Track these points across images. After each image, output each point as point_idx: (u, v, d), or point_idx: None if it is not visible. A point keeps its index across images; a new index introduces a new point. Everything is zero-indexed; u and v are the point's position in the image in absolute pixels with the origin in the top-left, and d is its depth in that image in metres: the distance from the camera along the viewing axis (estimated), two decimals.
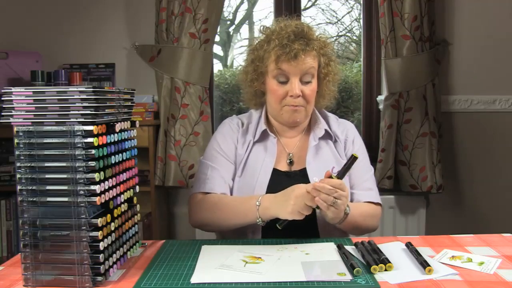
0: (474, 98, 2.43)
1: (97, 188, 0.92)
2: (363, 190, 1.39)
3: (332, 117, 1.48)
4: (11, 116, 0.93)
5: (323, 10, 2.85)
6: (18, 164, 0.93)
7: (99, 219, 0.93)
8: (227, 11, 2.91)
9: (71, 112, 0.91)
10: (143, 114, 2.29)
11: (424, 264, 0.99)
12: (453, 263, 1.05)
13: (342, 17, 2.87)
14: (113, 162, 1.01)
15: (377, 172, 2.30)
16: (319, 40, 1.35)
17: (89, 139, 0.92)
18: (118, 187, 1.04)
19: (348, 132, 1.45)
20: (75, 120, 0.92)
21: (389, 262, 1.01)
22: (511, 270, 1.00)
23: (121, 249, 1.06)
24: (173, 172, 2.30)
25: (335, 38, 2.87)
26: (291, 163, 1.40)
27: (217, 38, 2.54)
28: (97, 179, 0.93)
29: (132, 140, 1.14)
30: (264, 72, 1.36)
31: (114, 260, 1.01)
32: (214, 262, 1.06)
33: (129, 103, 1.12)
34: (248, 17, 2.94)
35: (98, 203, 0.93)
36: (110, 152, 1.00)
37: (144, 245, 1.22)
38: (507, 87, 2.42)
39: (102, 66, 2.38)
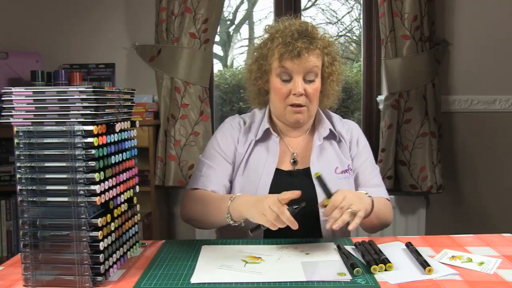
0: (474, 98, 2.43)
1: (97, 188, 0.92)
2: (371, 187, 1.38)
3: (336, 117, 1.47)
4: (11, 116, 0.93)
5: (323, 10, 2.85)
6: (18, 164, 0.93)
7: (99, 219, 0.93)
8: (227, 11, 2.91)
9: (71, 112, 0.91)
10: (143, 114, 2.29)
11: (424, 264, 0.99)
12: (453, 263, 1.05)
13: (342, 17, 2.87)
14: (113, 162, 1.01)
15: None
16: (323, 39, 1.34)
17: (89, 139, 0.92)
18: (118, 187, 1.04)
19: (352, 132, 1.45)
20: (75, 120, 0.92)
21: (389, 262, 1.01)
22: (511, 270, 1.00)
23: (121, 249, 1.06)
24: (173, 172, 2.30)
25: (335, 38, 2.86)
26: (294, 162, 1.39)
27: (217, 38, 2.54)
28: (97, 179, 0.93)
29: (132, 140, 1.14)
30: (267, 71, 1.36)
31: (114, 260, 1.01)
32: (214, 262, 1.06)
33: (129, 103, 1.12)
34: (248, 17, 2.94)
35: (98, 203, 0.93)
36: (110, 152, 1.00)
37: (144, 245, 1.22)
38: (507, 87, 2.42)
39: (102, 66, 2.38)
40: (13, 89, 0.92)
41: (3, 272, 1.04)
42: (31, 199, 0.93)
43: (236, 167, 1.39)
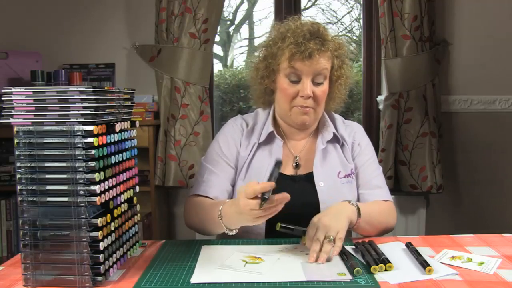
0: (474, 98, 2.43)
1: (97, 188, 0.92)
2: (371, 189, 1.36)
3: (339, 119, 1.44)
4: (11, 116, 0.93)
5: (323, 10, 2.86)
6: (18, 164, 0.93)
7: (99, 219, 0.93)
8: (227, 11, 2.91)
9: (71, 112, 0.91)
10: (143, 114, 2.29)
11: (424, 264, 0.99)
12: (453, 263, 1.05)
13: (342, 17, 2.87)
14: (113, 162, 1.01)
15: None
16: (334, 41, 1.31)
17: (89, 139, 0.92)
18: (118, 187, 1.04)
19: (355, 135, 1.42)
20: (75, 120, 0.92)
21: (389, 262, 1.01)
22: (511, 270, 1.00)
23: (121, 249, 1.06)
24: (173, 172, 2.30)
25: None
26: (297, 166, 1.37)
27: (217, 38, 2.54)
28: (97, 179, 0.93)
29: (132, 140, 1.14)
30: (275, 70, 1.32)
31: (114, 260, 1.01)
32: (214, 262, 1.06)
33: (129, 103, 1.12)
34: (248, 17, 2.94)
35: (98, 203, 0.93)
36: (110, 152, 1.00)
37: (144, 245, 1.22)
38: (507, 87, 2.42)
39: (102, 66, 2.38)
40: (13, 89, 0.92)
41: (3, 272, 1.04)
42: (31, 199, 0.93)
43: (238, 171, 1.36)
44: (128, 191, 1.11)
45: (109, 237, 0.99)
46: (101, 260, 0.94)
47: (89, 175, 0.92)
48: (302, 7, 2.58)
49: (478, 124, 2.44)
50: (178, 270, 1.02)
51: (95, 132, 0.92)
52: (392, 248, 1.13)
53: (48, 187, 0.93)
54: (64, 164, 0.92)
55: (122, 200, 1.07)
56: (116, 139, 1.03)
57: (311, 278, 0.96)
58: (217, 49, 2.84)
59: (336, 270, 1.00)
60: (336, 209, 1.19)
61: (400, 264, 1.03)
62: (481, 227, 2.41)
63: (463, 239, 1.23)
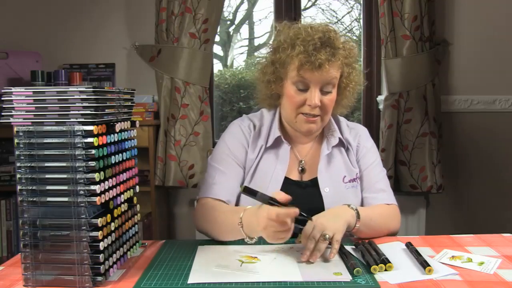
0: (474, 98, 2.43)
1: (97, 188, 0.92)
2: (375, 193, 1.34)
3: (343, 122, 1.42)
4: (11, 116, 0.93)
5: (323, 10, 2.85)
6: (18, 164, 0.93)
7: (99, 219, 0.93)
8: (227, 11, 2.91)
9: (71, 112, 0.91)
10: (143, 114, 2.29)
11: (424, 264, 0.99)
12: (453, 263, 1.05)
13: (342, 17, 2.87)
14: (113, 162, 1.01)
15: None
16: (344, 48, 1.27)
17: (89, 139, 0.92)
18: (118, 187, 1.04)
19: (360, 138, 1.40)
20: (75, 120, 0.92)
21: (389, 262, 1.01)
22: (511, 270, 1.00)
23: (121, 249, 1.06)
24: (173, 172, 2.30)
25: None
26: (302, 171, 1.35)
27: (217, 38, 2.54)
28: (97, 179, 0.93)
29: (132, 140, 1.14)
30: (283, 76, 1.29)
31: (114, 260, 1.01)
32: (210, 262, 1.06)
33: (129, 103, 1.12)
34: (248, 17, 2.94)
35: (98, 203, 0.93)
36: (110, 152, 1.00)
37: (144, 245, 1.22)
38: (507, 87, 2.42)
39: (102, 66, 2.38)
40: (13, 89, 0.92)
41: (3, 272, 1.04)
42: (31, 199, 0.93)
43: (245, 173, 1.34)
44: (128, 191, 1.11)
45: (109, 237, 0.99)
46: (101, 260, 0.94)
47: (89, 175, 0.92)
48: (302, 7, 2.58)
49: (478, 124, 2.44)
50: (178, 270, 1.02)
51: (95, 132, 0.92)
52: (392, 248, 1.13)
53: (48, 187, 0.93)
54: (64, 164, 0.92)
55: (122, 200, 1.07)
56: (116, 139, 1.03)
57: (307, 277, 0.96)
58: (217, 49, 2.84)
59: (333, 270, 1.00)
60: (335, 212, 1.18)
61: (400, 264, 1.03)
62: (481, 227, 2.41)
63: (463, 239, 1.23)
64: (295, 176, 1.34)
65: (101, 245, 0.94)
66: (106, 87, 1.01)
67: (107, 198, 0.98)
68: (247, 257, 1.09)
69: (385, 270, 1.00)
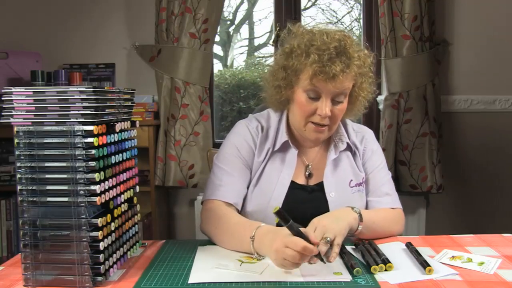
0: (474, 98, 2.43)
1: (97, 188, 0.92)
2: (380, 196, 1.33)
3: (350, 125, 1.40)
4: (11, 116, 0.93)
5: (323, 10, 2.85)
6: (18, 164, 0.93)
7: (99, 219, 0.93)
8: (227, 11, 2.91)
9: (71, 112, 0.91)
10: (143, 114, 2.29)
11: (424, 264, 0.99)
12: (453, 263, 1.05)
13: (342, 17, 2.87)
14: (113, 162, 1.01)
15: None
16: (359, 57, 1.23)
17: (89, 139, 0.92)
18: (118, 187, 1.04)
19: (366, 142, 1.38)
20: (75, 120, 0.92)
21: (389, 262, 1.01)
22: (511, 270, 1.00)
23: (121, 249, 1.06)
24: (173, 172, 2.30)
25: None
26: (309, 176, 1.33)
27: (217, 38, 2.54)
28: (97, 179, 0.93)
29: (132, 140, 1.14)
30: (294, 83, 1.25)
31: (114, 260, 1.01)
32: (210, 262, 1.06)
33: (129, 103, 1.12)
34: (248, 17, 2.94)
35: (98, 203, 0.93)
36: (110, 152, 1.00)
37: (144, 245, 1.22)
38: (507, 87, 2.42)
39: (102, 66, 2.38)
40: (13, 89, 0.92)
41: (3, 272, 1.04)
42: (31, 199, 0.93)
43: (251, 175, 1.31)
44: (128, 191, 1.11)
45: (109, 237, 0.99)
46: (101, 260, 0.94)
47: (89, 175, 0.92)
48: (302, 7, 2.58)
49: (478, 124, 2.44)
50: (178, 270, 1.02)
51: (95, 132, 0.92)
52: (392, 248, 1.13)
53: (48, 187, 0.93)
54: (64, 164, 0.92)
55: (122, 200, 1.07)
56: (116, 139, 1.03)
57: (307, 277, 0.96)
58: (217, 49, 2.84)
59: (333, 270, 1.00)
60: (337, 214, 1.17)
61: (400, 264, 1.03)
62: (481, 227, 2.41)
63: (463, 239, 1.23)
64: (301, 180, 1.32)
65: (101, 245, 0.94)
66: (106, 87, 1.01)
67: (107, 198, 0.98)
68: (247, 257, 1.09)
69: (385, 270, 1.00)
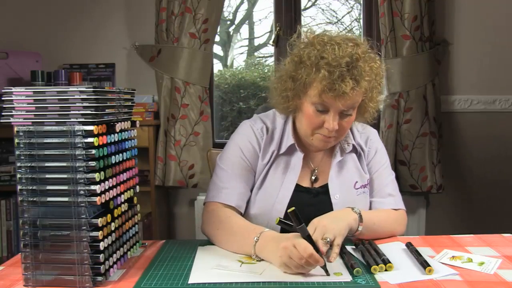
0: (474, 98, 2.43)
1: (97, 188, 0.92)
2: (383, 197, 1.33)
3: (355, 126, 1.37)
4: (11, 116, 0.93)
5: (323, 10, 2.85)
6: (18, 164, 0.93)
7: (99, 219, 0.93)
8: (227, 11, 2.91)
9: (71, 112, 0.91)
10: (143, 114, 2.29)
11: (424, 264, 0.99)
12: (453, 263, 1.05)
13: (342, 17, 2.87)
14: (113, 162, 1.01)
15: None
16: (371, 70, 1.18)
17: (89, 139, 0.92)
18: (118, 187, 1.04)
19: (371, 142, 1.37)
20: (75, 120, 0.92)
21: (389, 262, 1.01)
22: (511, 270, 1.00)
23: (121, 249, 1.06)
24: (173, 172, 2.30)
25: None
26: (315, 180, 1.31)
27: (217, 38, 2.54)
28: (97, 179, 0.93)
29: (132, 140, 1.14)
30: (302, 95, 1.22)
31: (114, 260, 1.01)
32: (210, 262, 1.06)
33: (129, 103, 1.12)
34: (248, 17, 2.94)
35: (98, 203, 0.93)
36: (110, 152, 1.00)
37: (144, 245, 1.22)
38: (507, 87, 2.42)
39: (102, 66, 2.38)
40: (13, 89, 0.92)
41: (3, 272, 1.04)
42: (31, 199, 0.93)
43: (255, 178, 1.30)
44: (128, 191, 1.11)
45: (109, 237, 0.99)
46: (101, 260, 0.94)
47: (89, 175, 0.92)
48: (302, 7, 2.58)
49: (478, 124, 2.44)
50: (178, 270, 1.02)
51: (95, 132, 0.92)
52: (392, 248, 1.13)
53: (48, 187, 0.93)
54: (64, 164, 0.92)
55: (122, 200, 1.07)
56: (116, 139, 1.03)
57: (307, 277, 0.96)
58: (217, 49, 2.84)
59: (333, 270, 1.00)
60: (337, 214, 1.18)
61: (400, 264, 1.03)
62: (481, 227, 2.41)
63: (463, 239, 1.23)
64: (306, 183, 1.31)
65: (101, 245, 0.94)
66: (106, 87, 1.01)
67: (107, 198, 0.98)
68: (247, 258, 1.09)
69: (385, 270, 1.00)
